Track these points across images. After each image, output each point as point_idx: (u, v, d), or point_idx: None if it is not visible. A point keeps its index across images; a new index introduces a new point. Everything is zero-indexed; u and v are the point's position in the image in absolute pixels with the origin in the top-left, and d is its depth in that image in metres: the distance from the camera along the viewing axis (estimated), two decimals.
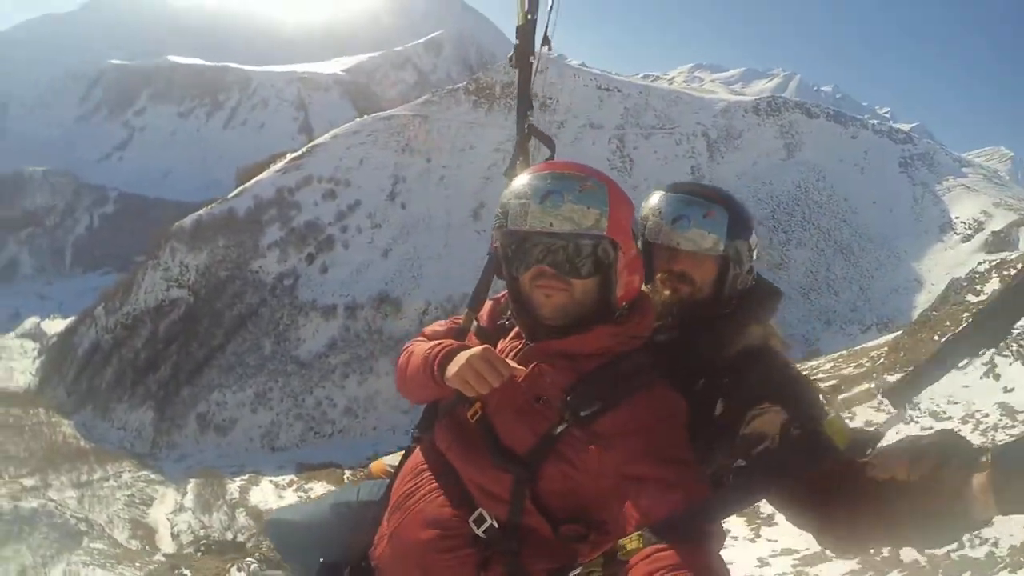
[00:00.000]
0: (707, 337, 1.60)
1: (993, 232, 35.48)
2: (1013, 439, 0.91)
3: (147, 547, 20.71)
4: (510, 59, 1.84)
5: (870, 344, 22.84)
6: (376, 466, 1.99)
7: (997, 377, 11.81)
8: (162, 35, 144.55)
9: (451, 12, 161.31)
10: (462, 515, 1.40)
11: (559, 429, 1.33)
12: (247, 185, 44.46)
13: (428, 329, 1.72)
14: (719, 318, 1.64)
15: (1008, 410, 10.67)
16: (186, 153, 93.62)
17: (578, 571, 1.26)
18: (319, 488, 23.49)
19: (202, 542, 20.45)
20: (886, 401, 1.02)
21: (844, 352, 22.28)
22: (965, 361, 0.94)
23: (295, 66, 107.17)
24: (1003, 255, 29.93)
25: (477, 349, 1.39)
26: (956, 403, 11.63)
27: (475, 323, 1.65)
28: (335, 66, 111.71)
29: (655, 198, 1.71)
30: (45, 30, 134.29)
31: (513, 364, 1.37)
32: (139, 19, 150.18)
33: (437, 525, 1.41)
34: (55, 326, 51.25)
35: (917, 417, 10.80)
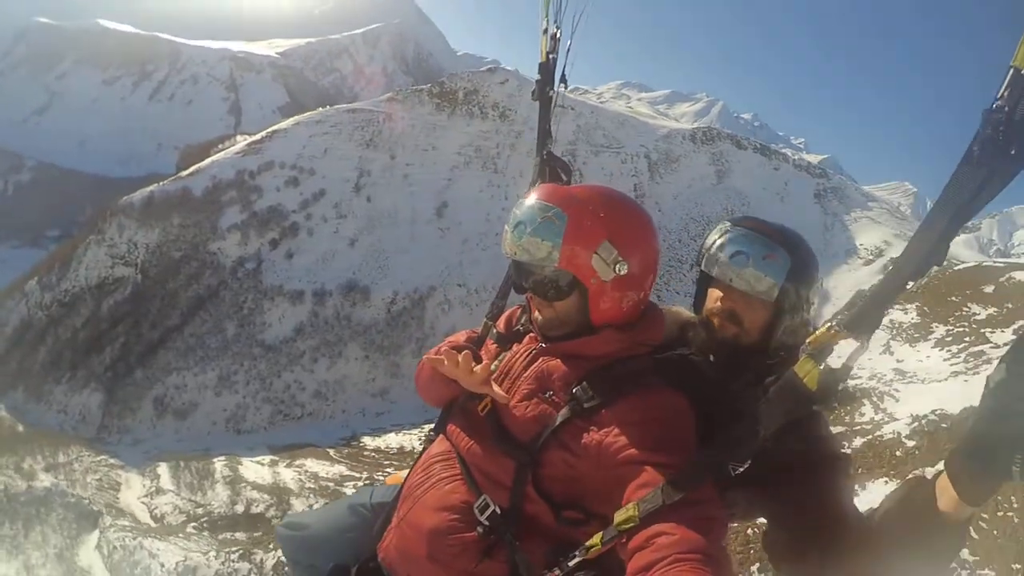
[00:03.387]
0: (742, 383, 1.55)
1: (891, 258, 41.17)
2: (960, 442, 1.04)
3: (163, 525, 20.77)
4: (533, 93, 1.95)
5: None
6: (392, 479, 2.10)
7: (892, 353, 20.39)
8: None
9: (393, 5, 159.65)
10: (468, 502, 1.51)
11: (562, 418, 1.43)
12: (202, 164, 43.45)
13: (450, 337, 1.87)
14: (764, 366, 1.57)
15: (899, 372, 17.80)
16: (107, 123, 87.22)
17: (579, 550, 1.35)
18: (310, 464, 24.27)
19: (203, 520, 20.69)
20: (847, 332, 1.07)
21: None
22: (911, 284, 1.04)
23: (229, 43, 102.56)
24: None
25: (450, 350, 1.59)
26: (863, 369, 17.36)
27: (493, 331, 1.78)
28: (269, 48, 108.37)
29: (718, 228, 1.72)
30: None
31: (498, 390, 1.51)
32: None
33: (443, 510, 1.52)
34: None
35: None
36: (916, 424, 11.94)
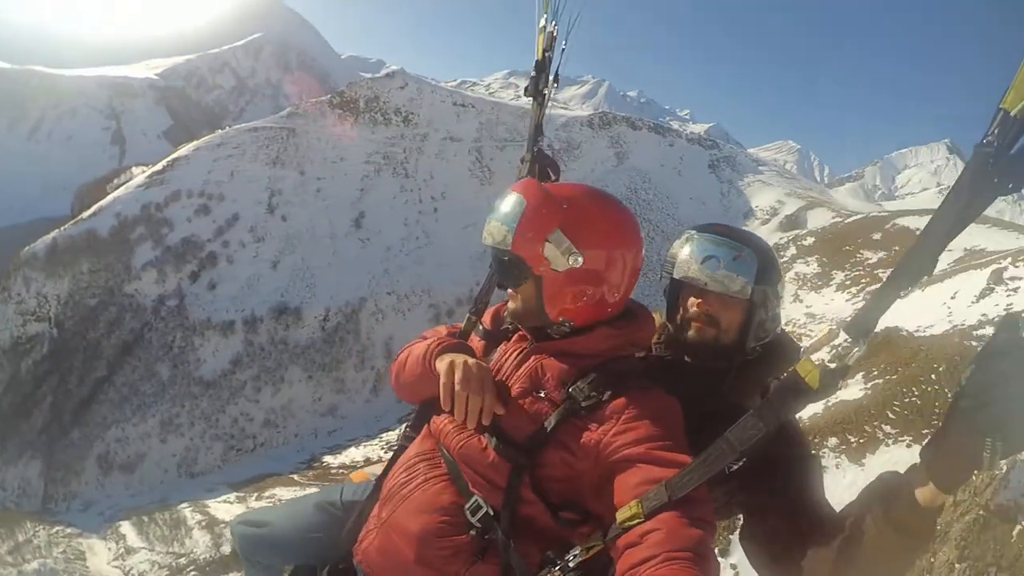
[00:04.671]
0: (730, 381, 1.65)
1: (786, 216, 45.14)
2: (935, 433, 1.12)
3: None
4: (526, 90, 1.97)
5: None
6: (357, 475, 2.07)
7: (801, 301, 25.74)
8: None
9: (270, 13, 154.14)
10: (458, 503, 1.47)
11: (558, 418, 1.41)
12: (103, 203, 41.82)
13: (428, 332, 1.82)
14: (742, 365, 1.67)
15: (810, 315, 23.52)
16: None
17: (577, 550, 1.34)
18: (280, 492, 24.25)
19: (189, 570, 20.13)
20: (846, 335, 1.12)
21: None
22: (908, 289, 1.05)
23: (104, 69, 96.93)
24: (795, 232, 39.72)
25: (477, 361, 1.53)
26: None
27: (480, 327, 1.77)
28: (147, 70, 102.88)
29: (683, 237, 1.78)
30: None
31: (501, 411, 1.45)
32: None
33: (432, 512, 1.48)
34: None
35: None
36: (833, 351, 15.12)
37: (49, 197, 74.15)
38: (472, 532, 1.44)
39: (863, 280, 29.08)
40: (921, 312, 15.59)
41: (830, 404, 11.77)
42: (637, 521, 1.23)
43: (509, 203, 1.51)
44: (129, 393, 34.10)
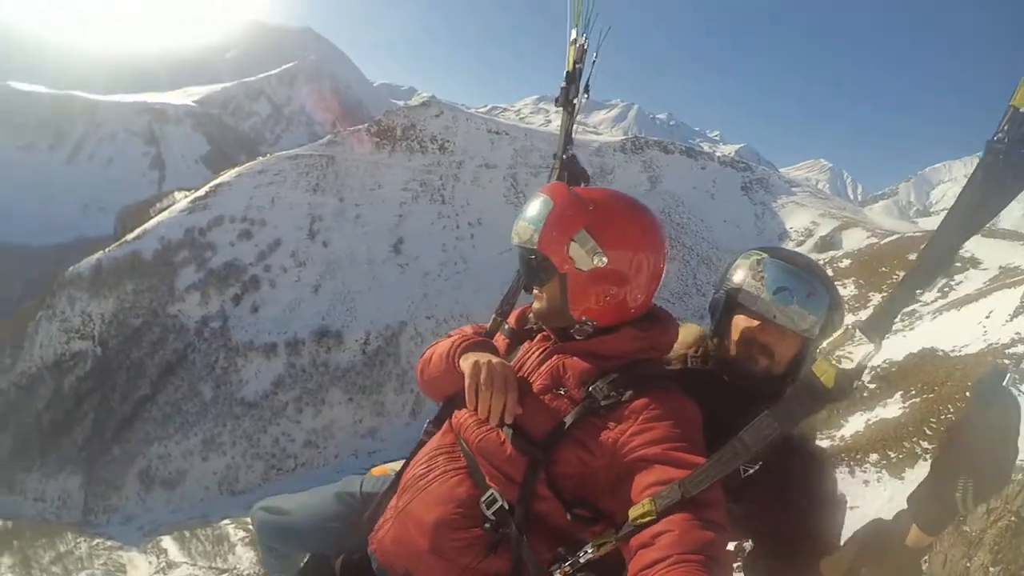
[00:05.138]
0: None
1: (821, 237, 44.63)
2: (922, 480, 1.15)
3: None
4: (556, 100, 1.99)
5: None
6: (377, 470, 2.09)
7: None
8: None
9: (304, 43, 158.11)
10: (474, 496, 1.49)
11: (577, 415, 1.42)
12: (147, 226, 42.90)
13: (454, 331, 1.83)
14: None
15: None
16: (26, 190, 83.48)
17: (589, 548, 1.34)
18: None
19: None
20: (862, 335, 1.11)
21: None
22: (921, 291, 1.06)
23: (144, 96, 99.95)
24: (831, 254, 39.28)
25: (501, 361, 1.56)
26: None
27: (505, 326, 1.80)
28: (185, 96, 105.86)
29: (750, 257, 1.71)
30: None
31: (519, 410, 1.47)
32: None
33: (448, 503, 1.50)
34: None
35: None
36: (873, 372, 15.28)
37: (89, 217, 76.20)
38: (486, 525, 1.45)
39: None
40: (957, 332, 15.98)
41: (871, 422, 12.18)
42: (650, 519, 1.23)
43: (536, 204, 1.55)
44: (172, 411, 34.57)
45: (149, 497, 31.90)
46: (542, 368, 1.55)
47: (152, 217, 45.57)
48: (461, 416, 1.60)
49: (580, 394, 1.46)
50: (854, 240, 42.22)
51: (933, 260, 1.05)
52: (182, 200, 46.06)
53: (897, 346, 17.19)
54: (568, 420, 1.42)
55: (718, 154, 63.40)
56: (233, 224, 42.23)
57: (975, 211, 1.01)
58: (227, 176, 46.84)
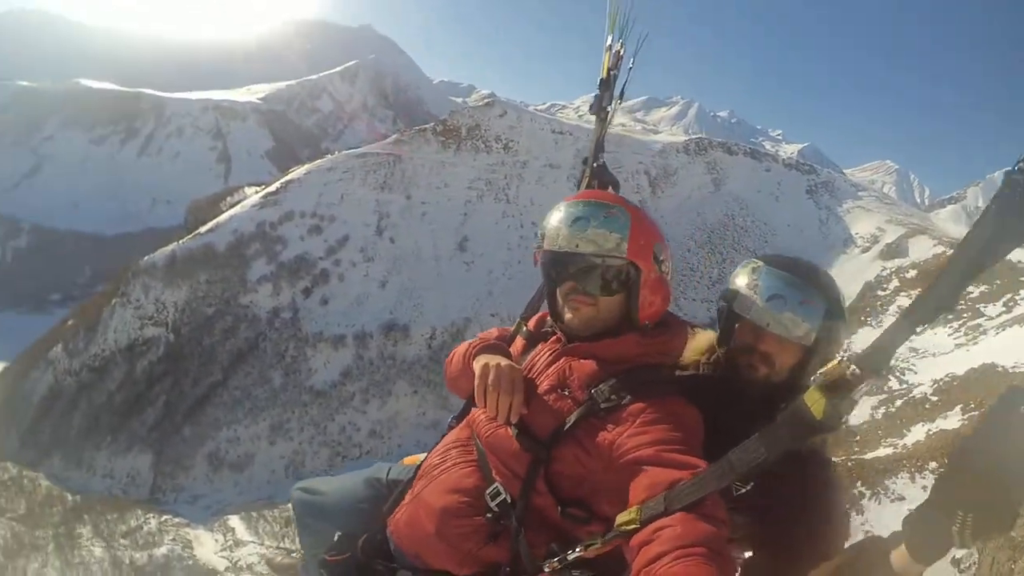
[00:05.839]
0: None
1: (887, 244, 42.80)
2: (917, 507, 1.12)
3: None
4: (591, 107, 2.02)
5: None
6: (409, 459, 2.19)
7: None
8: (70, 57, 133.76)
9: (366, 41, 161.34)
10: (480, 487, 1.59)
11: (578, 415, 1.48)
12: (220, 220, 44.12)
13: (483, 332, 1.93)
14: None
15: (913, 350, 21.54)
16: (98, 182, 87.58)
17: (579, 547, 1.39)
18: None
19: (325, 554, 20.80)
20: (857, 369, 1.07)
21: None
22: (923, 327, 1.02)
23: (209, 93, 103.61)
24: (897, 262, 37.99)
25: (509, 363, 1.60)
26: None
27: (524, 329, 1.86)
28: (250, 94, 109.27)
29: (748, 265, 1.73)
30: None
31: (524, 410, 1.53)
32: (47, 40, 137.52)
33: (456, 492, 1.61)
34: None
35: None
36: (936, 385, 16.23)
37: (158, 209, 79.30)
38: (489, 515, 1.54)
39: (965, 315, 27.55)
40: (1020, 348, 16.63)
41: (932, 432, 12.94)
42: (633, 527, 1.25)
43: (609, 212, 1.57)
44: (242, 396, 35.36)
45: (217, 478, 32.64)
46: (550, 369, 1.62)
47: (223, 211, 46.89)
48: (476, 413, 1.69)
49: (583, 396, 1.51)
50: (921, 249, 40.36)
51: (938, 296, 1.01)
52: (253, 195, 47.25)
53: (959, 360, 17.76)
54: (569, 421, 1.48)
55: (781, 154, 61.78)
56: (303, 219, 43.06)
57: (986, 247, 0.95)
58: (297, 173, 47.83)
